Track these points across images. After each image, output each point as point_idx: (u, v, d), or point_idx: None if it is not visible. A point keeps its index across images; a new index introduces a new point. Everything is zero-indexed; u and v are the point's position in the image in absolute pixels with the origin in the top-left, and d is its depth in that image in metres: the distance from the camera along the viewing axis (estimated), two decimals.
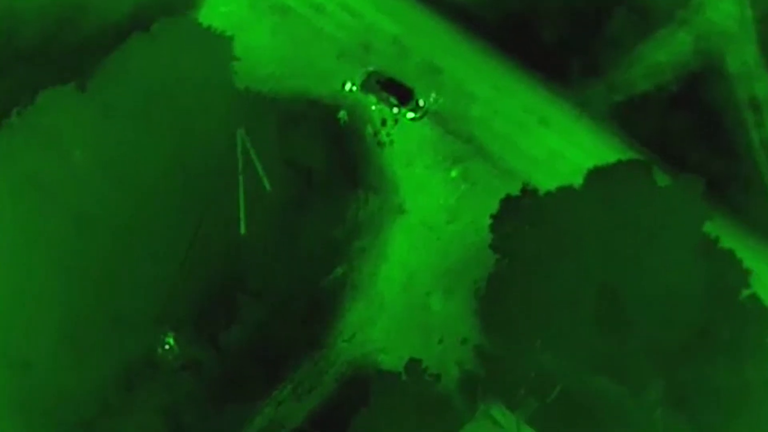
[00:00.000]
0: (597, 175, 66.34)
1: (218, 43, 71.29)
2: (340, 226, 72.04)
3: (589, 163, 65.83)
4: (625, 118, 73.80)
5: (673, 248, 63.00)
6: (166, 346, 69.82)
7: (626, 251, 63.17)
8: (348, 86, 76.48)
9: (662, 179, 65.54)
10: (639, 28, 76.51)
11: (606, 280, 62.80)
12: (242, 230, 68.41)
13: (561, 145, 73.90)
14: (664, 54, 76.07)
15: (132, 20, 77.06)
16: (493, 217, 65.80)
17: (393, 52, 76.99)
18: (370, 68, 76.47)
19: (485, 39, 75.90)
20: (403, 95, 75.44)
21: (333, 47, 77.29)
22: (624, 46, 75.79)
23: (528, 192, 66.09)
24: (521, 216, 65.70)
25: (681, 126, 73.90)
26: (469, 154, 73.76)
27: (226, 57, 70.86)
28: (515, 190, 66.90)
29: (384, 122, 75.91)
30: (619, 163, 66.52)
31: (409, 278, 71.05)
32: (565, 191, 65.61)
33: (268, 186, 69.75)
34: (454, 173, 73.73)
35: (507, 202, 66.74)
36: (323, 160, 73.23)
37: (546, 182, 67.87)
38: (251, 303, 69.43)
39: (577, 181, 64.37)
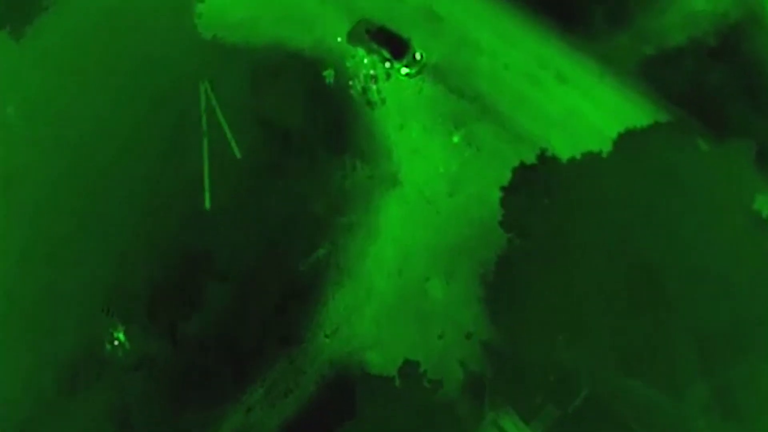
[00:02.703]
0: (627, 138, 60.75)
1: None
2: (322, 199, 66.01)
3: (614, 126, 61.23)
4: (656, 74, 66.21)
5: (719, 223, 57.84)
6: (115, 341, 64.39)
7: (663, 227, 57.72)
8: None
9: (703, 144, 60.38)
10: None
11: (640, 261, 57.03)
12: (206, 202, 64.03)
13: (581, 105, 65.84)
14: (700, 1, 67.93)
15: None
16: (504, 189, 61.22)
17: None
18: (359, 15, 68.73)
19: None
20: (397, 47, 67.25)
21: None
22: None
23: (545, 159, 61.08)
24: (537, 188, 60.25)
25: (719, 83, 66.00)
26: (474, 115, 66.34)
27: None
28: (529, 157, 62.04)
29: (375, 78, 67.97)
30: (655, 124, 60.78)
31: (404, 260, 64.59)
32: (589, 158, 60.12)
33: (237, 151, 65.35)
34: (456, 137, 66.32)
35: (520, 171, 61.34)
36: (303, 121, 67.14)
37: (564, 148, 62.96)
38: (216, 287, 64.96)
39: (601, 146, 59.86)
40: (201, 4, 65.79)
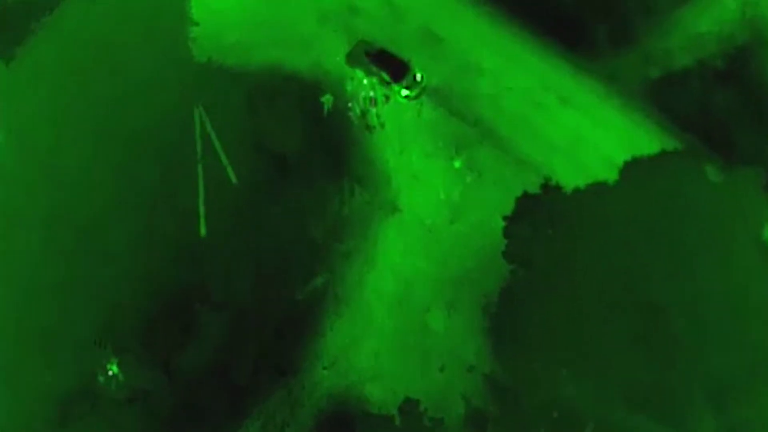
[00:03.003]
0: (633, 166, 58.89)
1: (172, 5, 64.19)
2: (319, 226, 64.02)
3: (619, 151, 59.73)
4: (662, 96, 64.65)
5: (729, 255, 55.84)
6: (109, 373, 61.88)
7: (670, 259, 55.81)
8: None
9: (711, 172, 58.36)
10: None
11: (647, 295, 55.38)
12: (202, 230, 62.74)
13: (586, 129, 64.27)
14: (706, 22, 66.52)
15: None
16: (507, 218, 59.01)
17: (385, 15, 67.57)
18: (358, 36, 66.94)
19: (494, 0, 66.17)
20: (397, 69, 65.32)
21: (313, 10, 68.17)
22: (660, 11, 66.59)
23: (549, 188, 59.50)
24: (540, 218, 58.18)
25: (726, 106, 64.55)
26: (476, 140, 64.54)
27: (182, 21, 64.03)
28: (532, 183, 60.38)
29: (374, 101, 66.17)
30: (661, 152, 59.24)
31: (404, 290, 62.77)
32: (594, 188, 58.26)
33: (233, 176, 63.62)
34: (457, 162, 64.60)
35: (523, 200, 59.12)
36: (300, 145, 65.13)
37: (568, 174, 61.21)
38: (212, 318, 62.23)
39: (606, 172, 58.18)
40: (196, 27, 64.12)
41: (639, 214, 56.59)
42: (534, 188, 60.54)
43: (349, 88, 66.23)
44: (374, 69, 65.64)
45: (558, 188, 59.21)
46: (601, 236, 56.54)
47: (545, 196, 58.87)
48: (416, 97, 65.54)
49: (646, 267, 55.54)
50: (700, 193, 56.66)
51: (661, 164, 58.42)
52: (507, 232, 58.56)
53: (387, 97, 65.74)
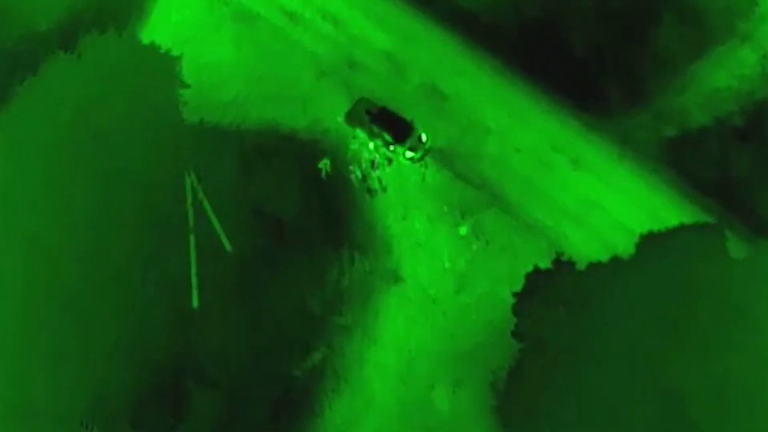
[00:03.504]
0: (651, 241, 56.76)
1: (162, 65, 61.42)
2: (318, 297, 60.70)
3: (634, 217, 58.12)
4: (679, 157, 61.90)
5: (754, 338, 52.95)
6: None
7: (691, 342, 53.33)
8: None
9: (734, 247, 55.91)
10: (692, 42, 64.01)
11: (665, 379, 52.96)
12: (194, 302, 59.36)
13: (599, 192, 61.13)
14: (723, 77, 63.31)
15: (61, 32, 65.41)
16: (516, 295, 56.62)
17: (386, 71, 64.53)
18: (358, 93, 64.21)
19: (501, 55, 63.70)
20: (400, 129, 62.26)
21: (311, 66, 65.17)
22: (675, 66, 63.69)
23: (560, 263, 56.84)
24: (552, 295, 55.87)
25: (748, 167, 61.79)
26: (483, 204, 61.56)
27: (173, 83, 60.86)
28: (542, 251, 58.58)
29: (375, 163, 63.03)
30: (681, 226, 56.54)
31: (406, 366, 59.37)
32: (610, 263, 56.29)
33: (227, 244, 60.49)
34: (463, 229, 61.67)
35: (533, 276, 56.56)
36: (297, 211, 62.01)
37: (580, 241, 58.87)
38: (205, 396, 58.91)
39: (620, 240, 56.83)
40: (187, 90, 61.16)
41: (657, 293, 54.22)
42: (544, 256, 58.30)
43: (350, 148, 63.43)
44: (376, 129, 62.64)
45: (571, 263, 56.68)
46: (616, 316, 54.25)
47: (557, 272, 56.34)
48: (420, 159, 62.44)
49: (664, 349, 53.10)
50: (723, 271, 54.15)
51: (680, 238, 55.91)
52: (517, 310, 56.15)
53: (389, 160, 62.71)
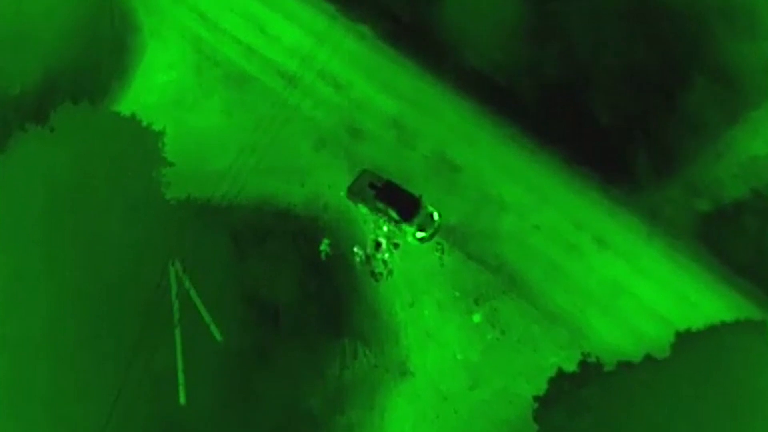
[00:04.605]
0: (686, 339, 52.34)
1: (143, 141, 57.59)
2: (317, 393, 56.48)
3: (666, 302, 54.23)
4: (713, 235, 57.82)
5: None
6: None
7: None
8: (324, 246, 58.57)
9: None
10: (726, 106, 60.49)
11: None
12: (181, 398, 55.44)
13: (626, 275, 56.61)
14: (760, 144, 59.69)
15: (36, 97, 61.94)
16: (538, 399, 52.25)
17: (391, 140, 61.20)
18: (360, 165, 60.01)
19: (518, 122, 60.52)
20: (407, 206, 57.79)
21: (310, 134, 61.86)
22: (707, 133, 60.06)
23: (587, 366, 52.37)
24: (578, 403, 51.07)
25: None
26: (499, 289, 57.29)
27: (153, 161, 57.04)
28: (562, 341, 54.82)
29: (379, 245, 58.58)
30: (722, 325, 51.70)
31: None
32: (643, 362, 51.46)
33: (217, 334, 56.34)
34: (477, 317, 57.18)
35: (557, 381, 52.11)
36: (294, 297, 57.87)
37: (607, 330, 54.50)
38: None
39: (651, 328, 53.21)
40: (168, 169, 57.19)
41: (694, 400, 49.48)
42: (566, 349, 54.61)
43: (350, 227, 59.43)
44: (380, 205, 58.29)
45: (598, 365, 51.97)
46: (646, 427, 49.47)
47: (583, 376, 51.73)
48: (430, 239, 57.99)
49: None
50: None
51: (719, 337, 51.34)
52: (538, 417, 51.54)
53: (396, 245, 58.35)
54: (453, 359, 56.76)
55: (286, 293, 57.86)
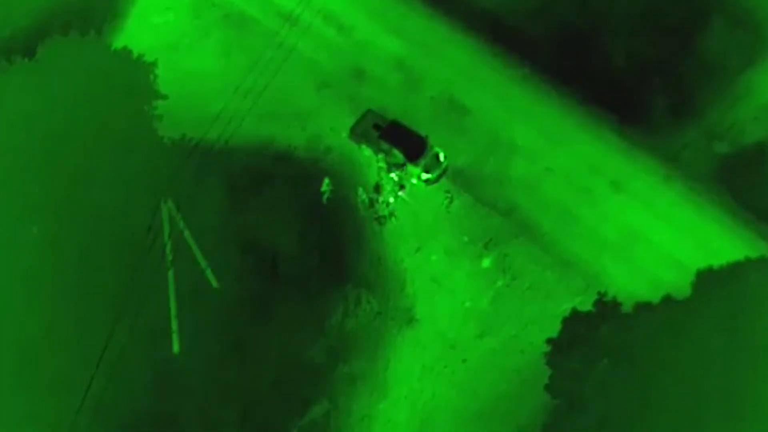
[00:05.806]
0: (707, 278, 50.19)
1: (134, 74, 56.28)
2: (318, 343, 55.74)
3: (685, 247, 52.96)
4: (733, 177, 57.30)
5: None
6: None
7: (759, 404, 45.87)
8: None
9: None
10: (745, 48, 60.12)
11: None
12: (175, 347, 54.09)
13: (643, 220, 55.56)
14: None
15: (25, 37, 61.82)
16: (551, 342, 49.96)
17: (397, 82, 60.37)
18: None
19: (530, 63, 59.97)
20: (413, 146, 56.90)
21: (311, 76, 61.10)
22: (726, 75, 59.70)
23: (604, 306, 50.22)
24: (593, 345, 48.84)
25: None
26: (509, 234, 56.63)
27: (145, 94, 55.76)
28: (577, 288, 53.44)
29: (382, 188, 57.81)
30: (744, 266, 50.01)
31: (421, 424, 54.26)
32: (662, 303, 49.31)
33: (213, 281, 55.06)
34: (486, 262, 56.40)
35: (571, 322, 49.98)
36: (294, 244, 57.07)
37: (624, 278, 52.93)
38: None
39: (670, 275, 51.69)
40: (165, 102, 55.98)
41: (717, 343, 46.96)
42: (581, 296, 52.85)
43: (353, 170, 58.88)
44: (385, 146, 57.47)
45: (616, 304, 50.17)
46: (668, 370, 47.02)
47: (599, 316, 49.62)
48: (436, 181, 57.31)
49: (729, 413, 45.93)
50: None
51: (743, 278, 48.82)
52: (551, 361, 49.42)
53: (401, 187, 57.56)
54: (461, 307, 56.20)
55: (285, 240, 57.10)
